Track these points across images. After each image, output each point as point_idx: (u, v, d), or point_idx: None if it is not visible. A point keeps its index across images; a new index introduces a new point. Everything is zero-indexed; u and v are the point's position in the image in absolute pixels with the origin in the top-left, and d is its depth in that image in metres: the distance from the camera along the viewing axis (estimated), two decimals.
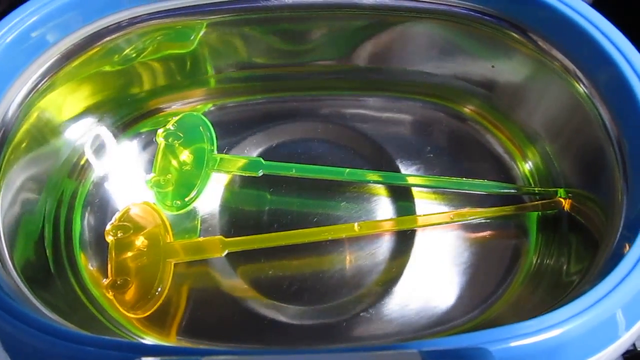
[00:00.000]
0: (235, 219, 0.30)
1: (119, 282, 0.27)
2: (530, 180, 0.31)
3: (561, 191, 0.29)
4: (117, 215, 0.29)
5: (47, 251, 0.28)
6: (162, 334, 0.27)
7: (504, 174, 0.32)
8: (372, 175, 0.31)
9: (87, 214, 0.30)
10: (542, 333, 0.19)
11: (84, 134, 0.32)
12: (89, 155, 0.32)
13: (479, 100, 0.33)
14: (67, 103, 0.30)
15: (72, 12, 0.27)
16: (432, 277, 0.29)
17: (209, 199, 0.31)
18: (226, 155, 0.32)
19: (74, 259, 0.29)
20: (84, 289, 0.28)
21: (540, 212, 0.30)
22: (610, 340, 0.19)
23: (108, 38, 0.29)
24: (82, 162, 0.31)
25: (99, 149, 0.32)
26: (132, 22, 0.29)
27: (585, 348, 0.19)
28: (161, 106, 0.34)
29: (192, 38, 0.31)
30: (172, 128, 0.32)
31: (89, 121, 0.32)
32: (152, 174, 0.31)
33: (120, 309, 0.27)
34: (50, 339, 0.18)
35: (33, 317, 0.19)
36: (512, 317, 0.27)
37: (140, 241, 0.28)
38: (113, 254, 0.28)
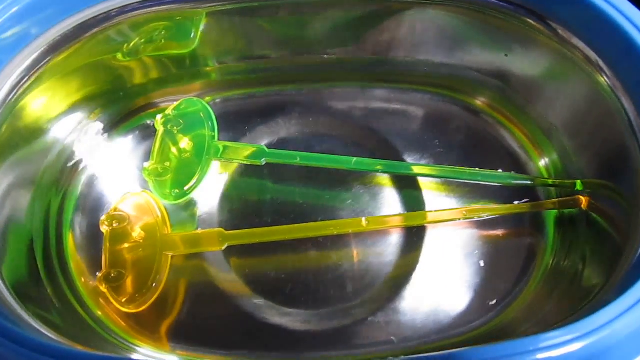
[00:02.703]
0: (236, 210, 0.30)
1: (113, 275, 0.27)
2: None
3: (578, 183, 0.28)
4: (113, 205, 0.29)
5: (37, 255, 0.27)
6: (155, 340, 0.26)
7: (519, 170, 0.30)
8: (381, 165, 0.29)
9: (78, 214, 0.30)
10: (568, 345, 0.18)
11: (74, 131, 0.31)
12: (79, 153, 0.31)
13: (492, 92, 0.32)
14: (55, 99, 0.29)
15: (57, 1, 0.26)
16: (443, 278, 0.28)
17: (209, 189, 0.30)
18: (228, 142, 0.31)
19: (65, 262, 0.28)
20: (77, 297, 0.27)
21: (557, 211, 0.29)
22: (639, 351, 0.18)
23: (97, 29, 0.28)
24: (72, 161, 0.30)
25: (91, 146, 0.31)
26: (122, 11, 0.28)
27: None
28: (156, 100, 0.33)
29: (189, 29, 0.30)
30: (171, 114, 0.31)
31: (79, 117, 0.31)
32: (150, 162, 0.30)
33: (114, 303, 0.26)
34: (38, 357, 0.17)
35: (21, 334, 0.18)
36: (527, 321, 0.26)
37: (136, 232, 0.28)
38: (108, 245, 0.27)
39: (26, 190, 0.28)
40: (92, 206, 0.30)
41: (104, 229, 0.28)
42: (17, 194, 0.27)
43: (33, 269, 0.26)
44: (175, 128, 0.30)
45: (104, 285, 0.26)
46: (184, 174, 0.29)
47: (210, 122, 0.30)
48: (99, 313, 0.27)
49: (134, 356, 0.25)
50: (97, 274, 0.27)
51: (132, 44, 0.30)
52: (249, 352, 0.26)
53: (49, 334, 0.20)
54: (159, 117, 0.31)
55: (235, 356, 0.26)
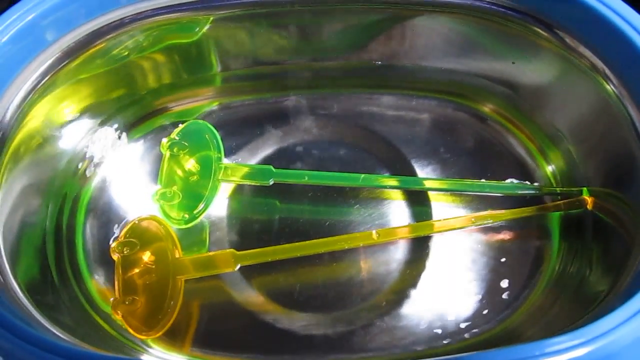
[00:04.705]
0: (244, 228, 0.29)
1: (126, 302, 0.26)
2: (554, 184, 0.30)
3: (585, 190, 0.28)
4: (122, 231, 0.28)
5: (49, 259, 0.27)
6: (174, 345, 0.26)
7: (525, 176, 0.30)
8: (389, 180, 0.30)
9: (90, 220, 0.30)
10: (574, 350, 0.18)
11: (87, 136, 0.31)
12: (92, 157, 0.31)
13: (499, 98, 0.32)
14: (68, 104, 0.29)
15: (73, 8, 0.26)
16: (449, 284, 0.28)
17: (217, 209, 0.30)
18: (234, 164, 0.30)
19: (77, 266, 0.28)
20: (89, 299, 0.27)
21: (562, 213, 0.29)
22: None
23: (111, 35, 0.28)
24: (84, 166, 0.30)
25: (103, 151, 0.31)
26: (136, 18, 0.28)
27: None
28: (166, 105, 0.33)
29: (197, 31, 0.30)
30: (176, 138, 0.30)
31: (92, 122, 0.31)
32: (158, 187, 0.29)
33: (130, 331, 0.26)
34: (51, 357, 0.17)
35: (35, 334, 0.18)
36: (533, 327, 0.26)
37: (147, 258, 0.27)
38: (120, 272, 0.27)
39: (39, 194, 0.28)
40: (104, 210, 0.30)
41: (115, 256, 0.27)
42: (30, 197, 0.27)
43: (45, 270, 0.27)
44: (181, 151, 0.30)
45: (119, 313, 0.26)
46: (193, 197, 0.29)
47: (215, 143, 0.30)
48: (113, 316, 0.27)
49: (146, 357, 0.26)
50: (112, 300, 0.27)
51: (139, 47, 0.30)
52: (262, 355, 0.26)
53: (61, 335, 0.20)
54: (164, 140, 0.30)
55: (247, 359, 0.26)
